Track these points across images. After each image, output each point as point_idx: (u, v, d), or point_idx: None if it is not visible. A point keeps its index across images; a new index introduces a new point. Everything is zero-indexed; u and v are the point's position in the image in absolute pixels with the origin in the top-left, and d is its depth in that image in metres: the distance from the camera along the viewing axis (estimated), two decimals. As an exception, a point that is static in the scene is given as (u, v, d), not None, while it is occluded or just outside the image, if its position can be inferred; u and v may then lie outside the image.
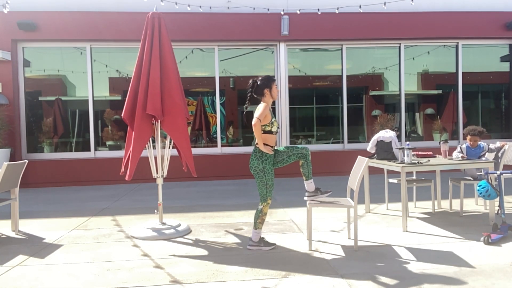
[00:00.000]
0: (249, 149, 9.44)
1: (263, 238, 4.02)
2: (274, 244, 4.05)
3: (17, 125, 8.66)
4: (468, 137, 5.22)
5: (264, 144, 3.88)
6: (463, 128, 9.77)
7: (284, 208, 5.85)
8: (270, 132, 3.91)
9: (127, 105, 4.51)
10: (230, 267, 3.52)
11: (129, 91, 4.54)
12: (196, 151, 9.22)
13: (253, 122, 3.80)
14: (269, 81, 3.96)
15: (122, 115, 4.53)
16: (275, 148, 4.01)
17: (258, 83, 3.97)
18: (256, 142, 3.89)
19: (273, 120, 3.92)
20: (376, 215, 5.34)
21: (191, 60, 9.36)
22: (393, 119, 9.72)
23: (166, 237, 4.46)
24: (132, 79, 4.57)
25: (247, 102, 4.01)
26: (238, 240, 4.32)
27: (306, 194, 4.02)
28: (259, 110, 3.85)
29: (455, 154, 5.12)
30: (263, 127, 3.87)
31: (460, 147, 5.25)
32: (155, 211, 4.93)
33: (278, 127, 3.99)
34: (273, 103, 9.72)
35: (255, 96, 4.01)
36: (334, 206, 3.95)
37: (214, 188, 7.97)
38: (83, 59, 9.02)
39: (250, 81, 4.01)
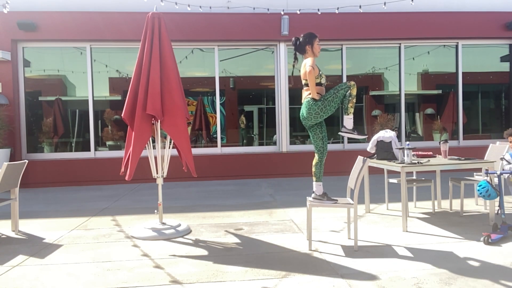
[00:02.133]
0: (249, 149, 9.44)
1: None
2: (336, 200, 4.04)
3: (17, 125, 8.66)
4: (510, 138, 5.02)
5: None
6: (463, 128, 9.78)
7: (284, 208, 5.85)
8: (320, 84, 3.99)
9: (127, 105, 4.51)
10: (230, 267, 3.52)
11: (129, 91, 4.54)
12: (196, 151, 9.22)
13: (307, 70, 3.86)
14: (310, 38, 4.07)
15: (122, 115, 4.53)
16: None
17: (300, 40, 4.05)
18: (306, 95, 3.96)
19: (320, 72, 4.01)
20: (376, 215, 5.34)
21: (191, 60, 9.36)
22: (393, 119, 9.72)
23: (166, 237, 4.46)
24: (132, 79, 4.57)
25: (294, 60, 4.11)
26: (238, 240, 4.32)
27: (312, 195, 4.04)
28: (309, 61, 3.92)
29: (507, 166, 4.61)
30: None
31: (505, 159, 4.69)
32: (155, 211, 4.93)
33: (326, 79, 4.07)
34: (274, 103, 9.74)
35: (298, 53, 4.08)
36: (334, 206, 3.95)
37: (214, 188, 7.97)
38: (83, 59, 9.02)
39: (293, 38, 4.11)
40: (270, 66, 9.48)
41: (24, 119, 8.84)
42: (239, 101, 9.81)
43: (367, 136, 4.08)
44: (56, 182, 8.66)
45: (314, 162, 4.11)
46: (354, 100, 3.94)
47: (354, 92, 3.91)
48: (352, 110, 3.95)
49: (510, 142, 5.02)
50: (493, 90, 10.11)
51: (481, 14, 9.46)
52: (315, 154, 4.12)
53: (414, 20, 9.31)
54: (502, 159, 4.75)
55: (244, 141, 9.82)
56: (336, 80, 9.59)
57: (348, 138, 9.61)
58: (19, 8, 8.60)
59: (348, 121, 3.99)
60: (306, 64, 3.96)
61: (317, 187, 4.01)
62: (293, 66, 4.13)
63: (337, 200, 4.04)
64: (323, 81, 4.01)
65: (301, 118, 4.09)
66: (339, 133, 4.13)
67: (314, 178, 4.08)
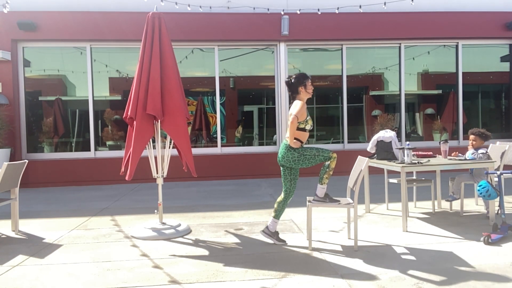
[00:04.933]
0: (249, 149, 9.44)
1: (328, 194, 4.03)
2: (339, 200, 4.05)
3: (17, 125, 8.66)
4: (471, 137, 5.15)
5: (296, 139, 3.92)
6: (463, 128, 9.78)
7: (284, 208, 5.85)
8: (304, 129, 3.96)
9: (133, 104, 4.48)
10: (230, 267, 3.52)
11: (133, 91, 4.51)
12: (196, 151, 9.22)
13: (290, 119, 3.85)
14: (302, 78, 4.00)
15: (128, 113, 4.49)
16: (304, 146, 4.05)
17: (292, 81, 4.01)
18: (287, 136, 3.94)
19: (308, 118, 3.97)
20: (376, 215, 5.34)
21: (191, 60, 9.36)
22: (393, 119, 9.72)
23: (166, 237, 4.46)
24: (134, 79, 4.57)
25: (291, 101, 4.07)
26: (238, 240, 4.32)
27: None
28: (297, 107, 3.89)
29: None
30: (298, 124, 3.91)
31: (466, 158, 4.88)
32: (155, 211, 4.93)
33: (312, 126, 4.04)
34: (274, 103, 9.74)
35: (291, 94, 4.06)
36: (334, 206, 3.95)
37: (214, 188, 7.97)
38: (83, 59, 9.02)
39: (286, 79, 4.08)
40: (270, 66, 9.48)
41: (24, 119, 8.84)
42: (239, 101, 9.80)
43: (339, 202, 4.06)
44: (56, 182, 8.66)
45: (278, 199, 4.13)
46: (331, 173, 3.94)
47: (333, 165, 3.91)
48: (326, 181, 3.95)
49: (470, 140, 5.09)
50: (493, 90, 10.11)
51: (481, 14, 9.46)
52: (282, 192, 4.13)
53: (414, 20, 9.31)
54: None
55: (240, 143, 9.79)
56: (336, 80, 9.59)
57: (349, 139, 9.62)
58: (19, 8, 8.60)
59: (321, 190, 3.99)
60: (294, 107, 3.93)
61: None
62: (290, 103, 4.09)
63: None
64: (308, 127, 3.97)
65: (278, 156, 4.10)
66: (311, 201, 4.08)
67: (273, 214, 4.11)
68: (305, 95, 4.01)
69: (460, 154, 5.12)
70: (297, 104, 3.90)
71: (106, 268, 3.55)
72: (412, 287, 3.01)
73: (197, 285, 3.14)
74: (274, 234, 4.15)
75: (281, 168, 4.12)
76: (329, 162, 3.93)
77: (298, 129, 3.92)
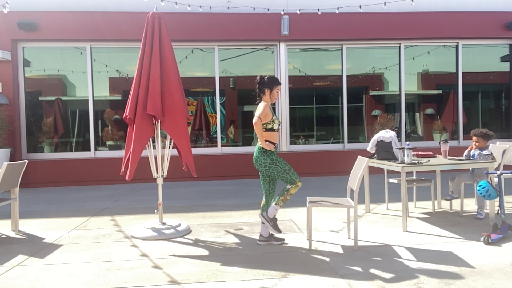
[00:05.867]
0: (249, 149, 9.44)
1: (276, 218, 4.04)
2: (283, 239, 4.11)
3: (17, 125, 8.66)
4: (474, 138, 5.13)
5: (267, 141, 3.93)
6: (463, 128, 9.78)
7: (284, 208, 5.85)
8: (272, 129, 3.97)
9: (131, 104, 4.48)
10: (230, 267, 3.52)
11: (132, 90, 4.52)
12: (196, 151, 9.23)
13: (253, 121, 3.86)
14: (272, 83, 4.00)
15: (127, 114, 4.50)
16: (277, 146, 4.05)
17: (263, 80, 4.01)
18: (259, 141, 3.95)
19: (274, 118, 3.98)
20: (376, 215, 5.34)
21: (191, 60, 9.36)
22: (393, 119, 9.72)
23: (166, 237, 4.46)
24: (134, 80, 4.57)
25: (258, 98, 4.07)
26: (238, 240, 4.32)
27: (259, 237, 4.14)
28: (260, 109, 3.93)
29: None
30: (265, 125, 3.93)
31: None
32: (155, 211, 4.93)
33: (279, 124, 4.05)
34: (274, 102, 9.75)
35: (258, 92, 4.05)
36: (334, 206, 3.95)
37: (214, 188, 7.97)
38: (83, 59, 9.02)
39: (258, 77, 4.06)
40: (270, 66, 9.48)
41: (24, 119, 8.84)
42: (239, 101, 9.80)
43: (283, 242, 4.10)
44: (56, 182, 8.66)
45: (262, 203, 4.14)
46: (288, 198, 3.93)
47: (292, 191, 3.90)
48: (281, 204, 3.95)
49: (473, 141, 5.07)
50: (493, 90, 10.10)
51: (481, 14, 9.46)
52: (263, 196, 4.13)
53: (414, 20, 9.31)
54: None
55: (235, 142, 9.77)
56: (336, 80, 9.59)
57: (349, 139, 9.61)
58: (19, 8, 8.61)
59: (273, 210, 3.98)
60: (257, 110, 3.93)
61: (272, 210, 3.99)
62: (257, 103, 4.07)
63: (283, 240, 4.14)
64: (276, 126, 3.98)
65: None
66: (259, 215, 4.09)
67: (273, 200, 4.09)
68: (268, 98, 4.00)
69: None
70: (260, 106, 3.94)
71: (106, 268, 3.55)
72: (412, 287, 3.01)
73: (197, 285, 3.14)
74: (275, 227, 4.07)
75: (259, 171, 4.09)
76: (290, 186, 3.92)
77: (266, 129, 3.94)
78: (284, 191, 3.94)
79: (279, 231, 4.02)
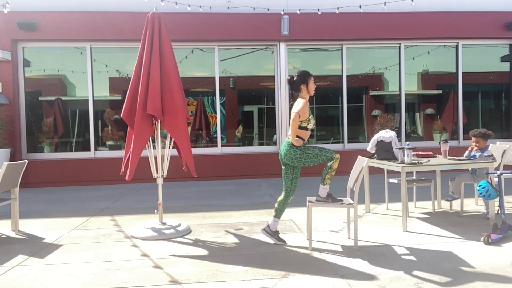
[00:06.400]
0: (249, 149, 9.44)
1: (330, 194, 4.02)
2: (341, 200, 4.04)
3: (17, 125, 8.66)
4: (473, 139, 5.14)
5: (297, 137, 3.92)
6: (463, 128, 9.78)
7: (284, 208, 5.85)
8: (306, 128, 3.96)
9: (126, 105, 4.51)
10: (230, 267, 3.52)
11: (128, 90, 4.54)
12: (196, 151, 9.23)
13: (291, 117, 3.84)
14: (305, 76, 3.99)
15: (121, 115, 4.53)
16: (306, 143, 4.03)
17: (295, 79, 4.00)
18: (289, 134, 3.93)
19: (310, 117, 3.96)
20: (376, 215, 5.34)
21: (191, 60, 9.36)
22: (393, 119, 9.72)
23: (166, 237, 4.46)
24: (132, 79, 4.57)
25: (291, 100, 4.06)
26: (238, 240, 4.32)
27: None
28: (299, 105, 3.88)
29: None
30: (300, 123, 3.91)
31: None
32: (155, 211, 4.93)
33: (314, 125, 4.03)
34: (274, 103, 9.73)
35: (293, 92, 4.04)
36: (334, 206, 3.95)
37: (214, 188, 7.97)
38: (83, 59, 9.02)
39: (288, 77, 4.06)
40: (270, 66, 9.48)
41: (24, 119, 8.84)
42: (239, 101, 9.80)
43: (342, 202, 4.05)
44: (56, 182, 8.66)
45: (279, 199, 4.14)
46: (333, 174, 3.92)
47: (335, 165, 3.89)
48: (328, 182, 3.94)
49: (473, 142, 5.07)
50: (493, 90, 10.11)
51: (481, 14, 9.46)
52: (283, 192, 4.14)
53: (414, 20, 9.32)
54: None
55: (241, 143, 9.79)
56: (336, 80, 9.59)
57: (349, 139, 9.62)
58: (19, 8, 8.60)
59: (323, 190, 3.98)
60: (296, 106, 3.93)
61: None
62: (291, 105, 4.06)
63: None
64: (310, 126, 3.97)
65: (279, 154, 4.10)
66: (315, 202, 4.07)
67: (274, 213, 4.13)
68: (307, 93, 4.00)
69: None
70: (300, 103, 3.89)
71: (106, 268, 3.55)
72: (412, 287, 3.01)
73: (197, 285, 3.14)
74: (275, 234, 4.15)
75: (283, 167, 4.11)
76: (331, 162, 3.91)
77: (300, 127, 3.92)
78: (328, 169, 3.92)
79: (283, 241, 4.13)
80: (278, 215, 4.11)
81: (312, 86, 4.02)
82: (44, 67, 9.03)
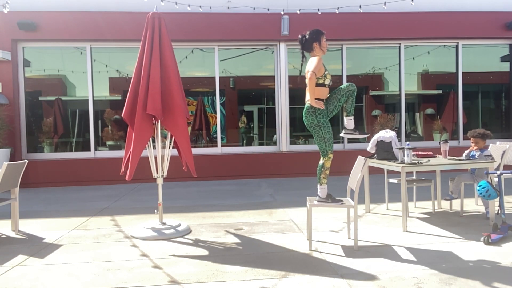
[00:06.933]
0: (249, 149, 9.44)
1: (330, 194, 3.99)
2: (341, 200, 4.00)
3: (17, 125, 8.66)
4: (472, 140, 5.14)
5: (316, 98, 3.82)
6: (463, 128, 9.78)
7: (284, 208, 5.85)
8: (323, 85, 3.86)
9: (127, 104, 4.51)
10: (230, 267, 3.52)
11: (129, 91, 4.54)
12: (196, 151, 9.22)
13: (307, 76, 3.73)
14: (317, 34, 3.91)
15: (122, 114, 4.53)
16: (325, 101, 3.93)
17: (307, 37, 3.92)
18: (308, 99, 3.84)
19: (326, 72, 3.86)
20: (376, 215, 5.34)
21: (191, 60, 9.36)
22: (393, 119, 9.72)
23: (166, 237, 4.46)
24: (132, 79, 4.57)
25: (302, 59, 3.97)
26: (238, 240, 4.32)
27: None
28: (313, 63, 3.78)
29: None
30: (316, 80, 3.81)
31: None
32: (155, 211, 4.93)
33: (331, 80, 3.93)
34: (274, 103, 9.73)
35: (304, 51, 3.96)
36: (334, 206, 3.95)
37: (214, 188, 7.97)
38: (83, 59, 9.02)
39: (299, 36, 3.96)
40: (270, 66, 9.48)
41: (24, 119, 8.84)
42: (239, 101, 9.80)
43: (368, 135, 4.02)
44: (56, 182, 8.66)
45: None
46: (327, 172, 3.92)
47: (327, 164, 3.91)
48: (325, 181, 3.92)
49: (472, 143, 5.07)
50: (493, 90, 10.11)
51: (481, 14, 9.46)
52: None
53: (414, 20, 9.31)
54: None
55: (244, 140, 9.82)
56: (336, 81, 9.59)
57: (348, 139, 9.61)
58: (19, 8, 8.60)
59: (322, 191, 3.95)
60: (310, 64, 3.82)
61: (348, 121, 3.92)
62: (301, 65, 4.02)
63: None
64: (327, 82, 3.85)
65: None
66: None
67: (345, 113, 3.98)
68: (319, 52, 3.92)
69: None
70: (313, 60, 3.79)
71: (106, 268, 3.55)
72: (412, 287, 3.01)
73: (197, 285, 3.14)
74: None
75: (312, 131, 3.97)
76: (323, 161, 3.89)
77: (317, 85, 3.81)
78: (321, 168, 3.90)
79: (341, 201, 3.97)
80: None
81: (324, 44, 3.93)
82: (44, 67, 9.03)
